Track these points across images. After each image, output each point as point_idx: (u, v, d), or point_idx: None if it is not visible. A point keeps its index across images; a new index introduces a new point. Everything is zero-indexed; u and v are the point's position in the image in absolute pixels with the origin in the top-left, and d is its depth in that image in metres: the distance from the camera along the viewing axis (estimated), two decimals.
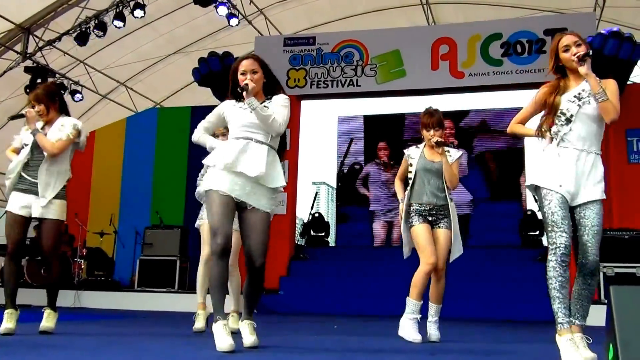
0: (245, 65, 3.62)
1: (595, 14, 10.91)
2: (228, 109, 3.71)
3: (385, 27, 12.16)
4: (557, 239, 3.08)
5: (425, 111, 4.56)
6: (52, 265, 4.31)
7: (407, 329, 4.31)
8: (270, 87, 3.73)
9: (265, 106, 3.56)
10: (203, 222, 5.13)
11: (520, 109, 3.54)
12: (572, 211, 3.19)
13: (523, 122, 3.45)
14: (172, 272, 9.59)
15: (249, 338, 3.50)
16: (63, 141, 4.24)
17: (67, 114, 4.45)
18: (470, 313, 8.16)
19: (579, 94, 3.22)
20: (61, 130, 4.28)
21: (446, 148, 4.49)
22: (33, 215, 4.25)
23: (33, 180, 4.23)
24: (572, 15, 10.63)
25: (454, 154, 4.50)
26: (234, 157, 3.48)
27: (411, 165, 4.52)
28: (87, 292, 9.41)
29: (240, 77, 3.61)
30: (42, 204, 4.18)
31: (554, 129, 3.26)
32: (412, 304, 4.34)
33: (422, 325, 4.38)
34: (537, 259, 9.66)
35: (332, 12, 13.46)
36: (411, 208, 4.43)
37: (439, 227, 4.40)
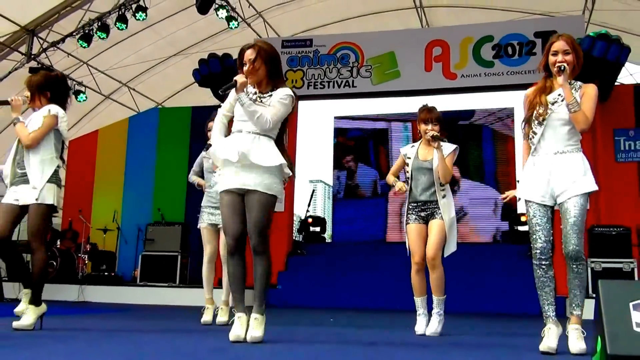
0: (245, 55, 3.53)
1: (584, 17, 10.92)
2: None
3: (380, 29, 12.17)
4: (534, 244, 3.29)
5: (423, 107, 4.56)
6: (34, 253, 3.94)
7: (417, 323, 4.44)
8: (274, 77, 3.60)
9: (261, 99, 3.51)
10: (200, 225, 5.49)
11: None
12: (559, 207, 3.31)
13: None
14: (174, 267, 9.59)
15: (251, 332, 3.40)
16: (37, 132, 4.01)
17: (62, 106, 4.19)
18: (461, 307, 8.15)
19: (556, 98, 3.33)
20: (38, 122, 4.06)
21: (440, 143, 4.44)
22: (21, 203, 4.00)
23: (20, 171, 4.06)
24: (561, 18, 10.64)
25: (447, 148, 4.45)
26: (220, 149, 3.53)
27: (408, 165, 4.53)
28: (91, 286, 9.39)
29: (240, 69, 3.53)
30: (34, 193, 3.95)
31: (529, 132, 3.39)
32: (415, 301, 4.45)
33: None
34: (527, 254, 9.66)
35: (328, 15, 13.45)
36: (409, 206, 4.47)
37: (434, 218, 4.37)
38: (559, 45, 3.34)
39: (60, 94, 4.25)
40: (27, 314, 3.93)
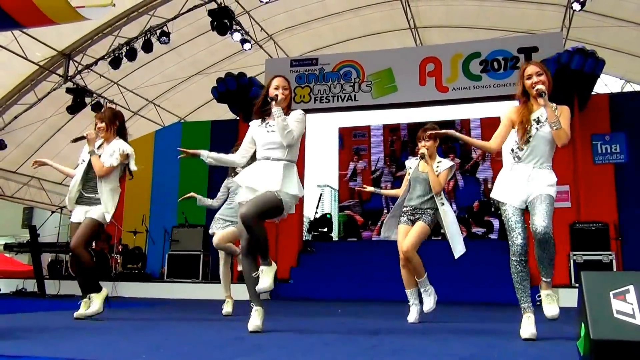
0: (278, 81, 3.72)
1: (562, 34, 10.89)
2: (254, 130, 3.74)
3: (379, 48, 12.17)
4: (514, 240, 3.26)
5: (423, 128, 4.62)
6: (80, 257, 4.19)
7: (409, 313, 4.56)
8: (289, 108, 3.80)
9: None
10: (214, 232, 5.47)
11: (497, 118, 3.57)
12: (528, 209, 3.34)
13: (503, 138, 3.45)
14: (197, 264, 9.60)
15: (261, 282, 3.46)
16: (110, 167, 4.31)
17: (124, 138, 4.49)
18: (455, 296, 8.12)
19: (538, 117, 3.34)
20: (112, 155, 4.33)
21: (438, 159, 4.58)
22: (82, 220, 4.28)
23: (87, 195, 4.32)
24: (542, 35, 10.60)
25: (444, 165, 4.54)
26: (251, 177, 3.60)
27: (409, 174, 4.65)
28: (123, 283, 9.40)
29: (271, 90, 3.68)
30: (100, 212, 4.24)
31: (514, 145, 3.37)
32: (407, 293, 4.59)
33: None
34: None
35: (332, 37, 13.48)
36: (403, 209, 4.59)
37: (419, 220, 4.50)
38: (532, 69, 3.37)
39: (123, 126, 4.56)
40: (94, 302, 4.19)
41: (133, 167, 4.43)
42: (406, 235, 4.47)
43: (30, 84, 11.98)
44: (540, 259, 3.27)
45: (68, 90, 11.76)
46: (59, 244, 10.60)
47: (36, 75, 11.91)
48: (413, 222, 4.51)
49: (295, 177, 3.64)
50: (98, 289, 4.26)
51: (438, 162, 4.55)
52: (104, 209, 4.26)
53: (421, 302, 4.57)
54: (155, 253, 10.90)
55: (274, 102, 3.57)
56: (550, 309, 3.25)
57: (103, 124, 4.41)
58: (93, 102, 12.40)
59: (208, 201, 5.69)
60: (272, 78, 3.79)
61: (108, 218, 4.28)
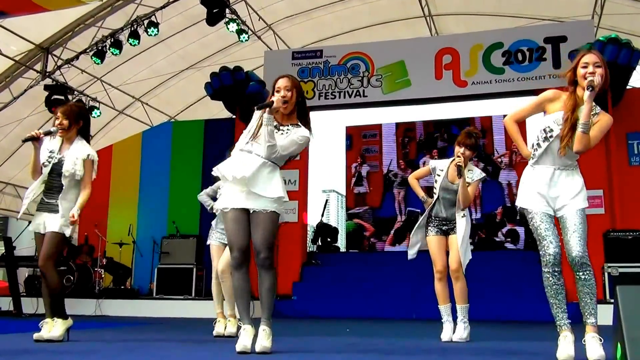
0: (280, 83, 3.63)
1: (593, 22, 10.88)
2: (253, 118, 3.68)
3: (389, 39, 12.18)
4: (545, 250, 3.21)
5: (465, 131, 4.68)
6: (47, 274, 4.18)
7: (442, 331, 4.65)
8: (301, 113, 3.73)
9: (284, 130, 3.59)
10: (211, 242, 5.54)
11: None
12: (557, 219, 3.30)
13: (520, 119, 3.45)
14: (189, 279, 9.60)
15: (260, 342, 3.39)
16: (89, 186, 4.36)
17: (87, 139, 4.44)
18: (475, 314, 8.08)
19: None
20: (76, 163, 4.25)
21: (470, 166, 4.64)
22: (47, 231, 4.21)
23: (48, 200, 4.27)
24: (571, 23, 10.59)
25: (476, 175, 4.64)
26: (227, 167, 3.56)
27: (437, 181, 4.74)
28: (108, 300, 9.42)
29: (275, 94, 3.59)
30: (59, 223, 4.18)
31: (534, 140, 3.33)
32: (440, 309, 4.70)
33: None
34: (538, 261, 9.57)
35: (338, 26, 13.49)
36: (431, 218, 4.73)
37: (454, 233, 4.65)
38: (591, 57, 3.24)
39: (87, 126, 4.48)
40: (56, 327, 4.12)
41: (93, 176, 4.38)
42: (441, 247, 4.64)
43: (4, 81, 12.04)
44: (581, 294, 3.16)
45: (47, 88, 11.80)
46: (37, 257, 10.63)
47: (11, 72, 11.97)
48: (444, 233, 4.68)
49: (276, 179, 3.57)
50: (64, 316, 4.20)
51: (469, 170, 4.62)
52: (60, 214, 4.20)
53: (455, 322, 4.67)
54: (143, 267, 10.92)
55: (268, 109, 3.48)
56: (597, 352, 3.02)
57: (66, 122, 4.30)
58: (74, 100, 12.45)
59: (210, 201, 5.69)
60: (275, 80, 3.68)
61: (68, 233, 4.21)
